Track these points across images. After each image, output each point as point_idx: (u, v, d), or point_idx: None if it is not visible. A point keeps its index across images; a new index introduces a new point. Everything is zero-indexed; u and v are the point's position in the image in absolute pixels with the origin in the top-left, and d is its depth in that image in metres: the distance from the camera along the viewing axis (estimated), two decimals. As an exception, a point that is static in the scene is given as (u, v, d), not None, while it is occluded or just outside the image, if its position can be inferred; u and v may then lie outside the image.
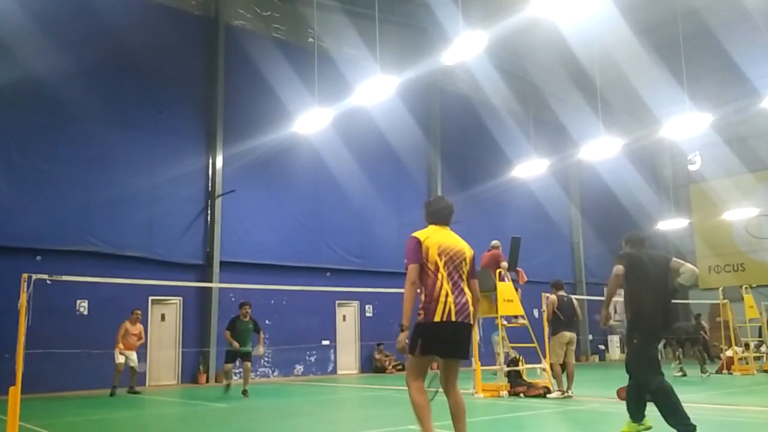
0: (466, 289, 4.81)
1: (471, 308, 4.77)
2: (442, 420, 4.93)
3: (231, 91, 17.94)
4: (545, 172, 23.24)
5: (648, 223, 28.25)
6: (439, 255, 4.77)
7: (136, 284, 13.07)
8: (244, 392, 12.27)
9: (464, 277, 4.84)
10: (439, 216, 5.08)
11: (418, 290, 4.76)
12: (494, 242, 12.43)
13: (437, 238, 4.88)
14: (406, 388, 4.82)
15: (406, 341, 4.67)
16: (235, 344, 12.21)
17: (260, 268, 17.51)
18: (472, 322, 4.77)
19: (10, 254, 13.86)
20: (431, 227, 5.02)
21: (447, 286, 4.70)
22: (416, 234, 4.92)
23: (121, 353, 13.23)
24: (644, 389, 5.94)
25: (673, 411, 5.63)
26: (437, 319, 4.61)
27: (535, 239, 22.77)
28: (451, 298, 4.67)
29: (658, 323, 6.03)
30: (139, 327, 13.77)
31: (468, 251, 4.95)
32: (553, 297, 10.98)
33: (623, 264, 6.10)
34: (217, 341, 16.60)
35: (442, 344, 4.69)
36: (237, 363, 13.00)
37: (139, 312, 13.92)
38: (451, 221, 5.13)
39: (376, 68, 15.44)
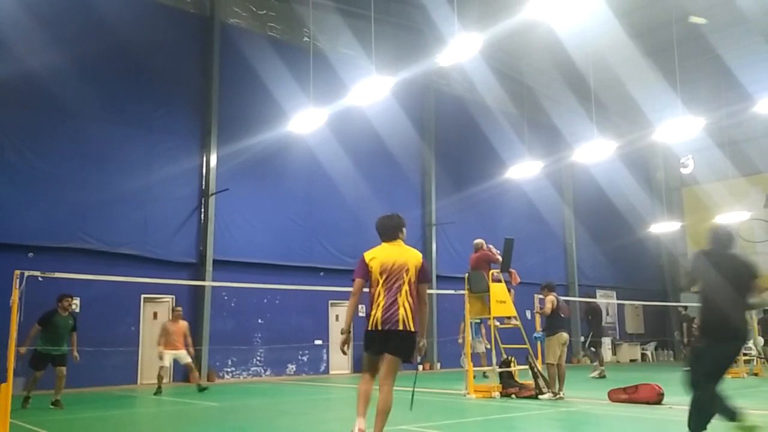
0: (406, 299, 5.54)
1: (404, 315, 5.54)
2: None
3: (226, 89, 17.92)
4: (539, 174, 23.33)
5: (641, 225, 28.41)
6: (381, 273, 5.58)
7: (129, 282, 13.05)
8: (56, 402, 10.24)
9: (405, 288, 5.55)
10: (388, 234, 5.78)
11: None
12: (476, 241, 12.37)
13: (382, 256, 5.63)
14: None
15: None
16: (22, 349, 9.72)
17: (253, 267, 17.50)
18: (406, 328, 5.54)
19: (2, 250, 13.79)
20: (382, 245, 5.75)
21: (380, 300, 5.57)
22: (365, 253, 5.72)
23: (164, 354, 12.93)
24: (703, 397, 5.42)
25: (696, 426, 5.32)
26: (369, 327, 5.66)
27: (529, 241, 22.84)
28: (379, 312, 5.58)
29: (729, 330, 5.49)
30: (181, 325, 13.21)
31: (412, 261, 5.61)
32: (552, 297, 10.92)
33: (700, 261, 5.71)
34: (209, 339, 16.59)
35: (373, 346, 5.73)
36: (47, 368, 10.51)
37: (179, 309, 13.61)
38: (400, 235, 5.79)
39: (371, 68, 15.48)
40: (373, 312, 5.62)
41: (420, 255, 5.75)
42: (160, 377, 13.05)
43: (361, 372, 5.78)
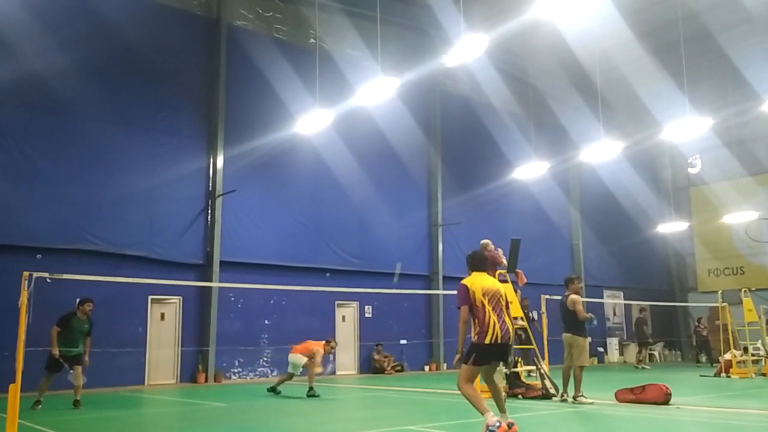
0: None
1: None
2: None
3: (232, 91, 17.97)
4: (545, 174, 23.27)
5: (648, 225, 28.31)
6: (484, 295, 6.61)
7: (136, 283, 13.09)
8: (76, 403, 10.45)
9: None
10: (480, 266, 6.99)
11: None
12: (483, 242, 12.32)
13: (480, 282, 6.74)
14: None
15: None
16: (55, 351, 10.24)
17: (260, 268, 17.54)
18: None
19: (10, 252, 13.88)
20: (474, 274, 6.85)
21: (494, 317, 6.58)
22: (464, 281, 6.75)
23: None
24: None
25: None
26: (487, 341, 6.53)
27: (535, 241, 22.78)
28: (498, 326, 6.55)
29: None
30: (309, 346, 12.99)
31: (503, 289, 6.83)
32: (578, 297, 10.37)
33: None
34: (216, 340, 16.64)
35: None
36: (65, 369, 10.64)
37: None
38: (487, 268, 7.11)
39: (377, 69, 15.46)
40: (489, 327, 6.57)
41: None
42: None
43: (468, 382, 6.63)
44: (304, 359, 12.75)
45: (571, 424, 8.31)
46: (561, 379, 10.44)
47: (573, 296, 10.36)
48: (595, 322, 10.40)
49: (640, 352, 22.17)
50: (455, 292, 6.80)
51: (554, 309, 13.86)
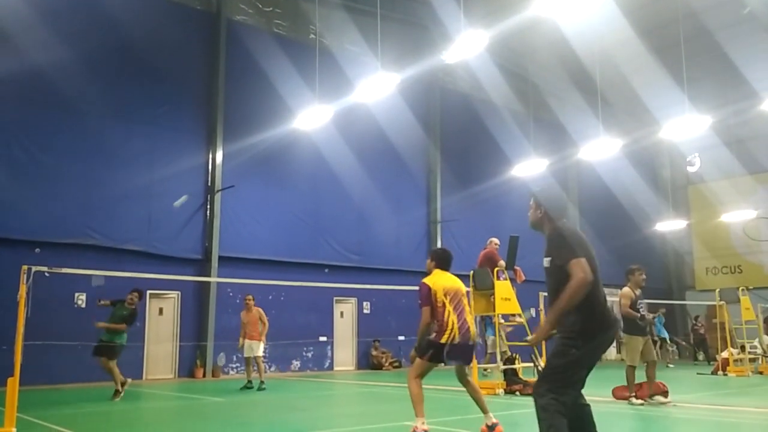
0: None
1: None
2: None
3: (231, 86, 17.95)
4: (544, 172, 23.23)
5: (646, 223, 28.33)
6: (445, 295, 6.59)
7: (135, 278, 13.09)
8: (115, 393, 10.89)
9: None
10: (445, 265, 7.05)
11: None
12: (492, 239, 12.49)
13: (442, 282, 6.74)
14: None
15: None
16: (100, 324, 11.01)
17: (259, 264, 17.55)
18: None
19: (9, 246, 13.89)
20: (437, 272, 6.87)
21: (453, 317, 6.54)
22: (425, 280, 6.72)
23: (244, 345, 12.86)
24: None
25: None
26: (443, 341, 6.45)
27: (534, 238, 22.36)
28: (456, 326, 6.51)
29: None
30: (254, 313, 12.90)
31: (464, 288, 6.92)
32: (627, 289, 9.60)
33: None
34: (215, 336, 16.65)
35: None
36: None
37: (249, 297, 13.09)
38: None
39: (377, 65, 15.45)
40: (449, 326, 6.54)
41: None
42: (248, 371, 13.11)
43: (418, 378, 6.54)
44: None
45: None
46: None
47: (623, 290, 9.62)
48: (646, 320, 9.61)
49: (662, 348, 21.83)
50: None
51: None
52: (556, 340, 4.15)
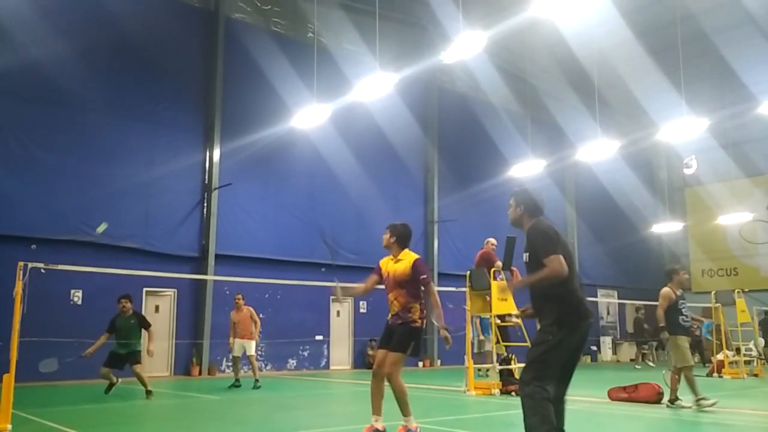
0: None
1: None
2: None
3: (229, 84, 17.93)
4: (542, 173, 23.30)
5: (643, 225, 28.39)
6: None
7: (131, 275, 13.07)
8: (147, 393, 10.76)
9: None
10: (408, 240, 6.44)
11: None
12: (490, 239, 12.48)
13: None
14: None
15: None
16: (88, 351, 10.50)
17: (255, 262, 17.54)
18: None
19: (5, 242, 13.85)
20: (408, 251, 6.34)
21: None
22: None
23: (233, 344, 12.82)
24: None
25: None
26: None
27: (530, 239, 22.80)
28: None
29: None
30: (245, 312, 12.85)
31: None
32: (668, 289, 9.28)
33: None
34: (211, 334, 16.64)
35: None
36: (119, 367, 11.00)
37: (239, 297, 13.02)
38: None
39: (375, 65, 15.46)
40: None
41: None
42: (236, 369, 13.12)
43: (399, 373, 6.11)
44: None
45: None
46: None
47: (663, 290, 9.28)
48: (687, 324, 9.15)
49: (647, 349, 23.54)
50: (450, 288, 6.79)
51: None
52: (537, 333, 4.51)
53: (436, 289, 6.57)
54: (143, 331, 11.01)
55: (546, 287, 4.40)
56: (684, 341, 9.17)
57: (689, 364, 9.08)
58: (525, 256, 4.56)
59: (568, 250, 4.52)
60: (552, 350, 4.33)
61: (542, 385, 4.25)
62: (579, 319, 4.42)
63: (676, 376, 9.22)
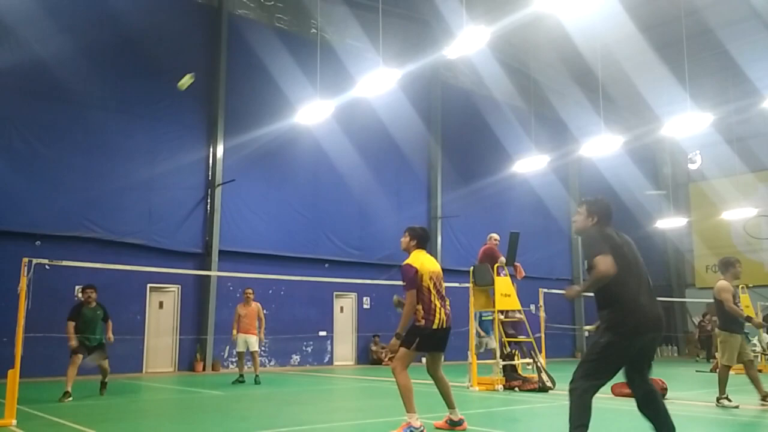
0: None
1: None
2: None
3: (233, 80, 17.93)
4: (545, 168, 23.27)
5: (647, 221, 28.32)
6: (430, 279, 6.43)
7: (135, 271, 13.11)
8: (104, 385, 10.59)
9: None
10: (425, 243, 6.90)
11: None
12: (492, 235, 12.47)
13: (428, 265, 6.61)
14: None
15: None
16: (72, 342, 10.13)
17: (259, 258, 17.57)
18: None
19: (10, 239, 13.90)
20: (418, 252, 6.70)
21: (438, 302, 6.38)
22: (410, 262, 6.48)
23: (237, 338, 12.78)
24: None
25: None
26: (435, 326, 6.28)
27: (534, 235, 22.81)
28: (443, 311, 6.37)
29: None
30: (253, 307, 12.83)
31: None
32: (724, 282, 8.67)
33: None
34: (215, 329, 16.68)
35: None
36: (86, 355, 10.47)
37: (250, 291, 13.02)
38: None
39: (378, 60, 15.44)
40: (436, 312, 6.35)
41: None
42: (240, 365, 13.16)
43: (405, 369, 6.25)
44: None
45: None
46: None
47: (720, 283, 8.68)
48: (755, 322, 8.78)
49: None
50: (453, 284, 6.81)
51: (552, 303, 13.91)
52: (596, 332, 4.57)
53: (444, 285, 6.78)
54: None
55: (604, 290, 4.38)
56: (738, 339, 8.68)
57: (732, 365, 8.75)
58: (586, 264, 4.58)
59: (624, 252, 4.48)
60: (603, 354, 4.43)
61: (586, 383, 4.48)
62: (635, 326, 4.35)
63: (724, 373, 8.81)
